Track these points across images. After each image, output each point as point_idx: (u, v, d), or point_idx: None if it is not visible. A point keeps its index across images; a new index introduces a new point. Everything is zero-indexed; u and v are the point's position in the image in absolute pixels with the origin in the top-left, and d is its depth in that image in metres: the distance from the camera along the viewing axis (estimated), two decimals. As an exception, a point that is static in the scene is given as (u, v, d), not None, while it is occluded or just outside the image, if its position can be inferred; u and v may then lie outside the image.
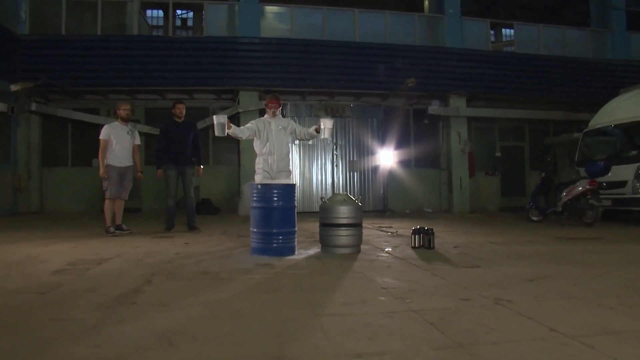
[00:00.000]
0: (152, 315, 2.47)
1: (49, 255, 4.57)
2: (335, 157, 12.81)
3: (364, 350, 1.92)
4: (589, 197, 8.18)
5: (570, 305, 2.67)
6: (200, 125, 9.58)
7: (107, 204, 6.53)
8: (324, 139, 5.22)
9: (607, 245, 5.69)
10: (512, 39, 15.51)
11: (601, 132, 9.96)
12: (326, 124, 4.91)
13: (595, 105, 11.26)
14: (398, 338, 2.10)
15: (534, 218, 9.21)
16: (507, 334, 2.16)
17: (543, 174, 9.42)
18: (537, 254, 4.82)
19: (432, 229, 5.10)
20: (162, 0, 15.68)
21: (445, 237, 6.23)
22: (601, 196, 8.35)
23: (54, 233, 6.72)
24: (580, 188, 8.26)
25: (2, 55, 11.01)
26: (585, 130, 10.28)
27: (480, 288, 3.08)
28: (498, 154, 14.53)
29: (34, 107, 11.50)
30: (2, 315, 2.49)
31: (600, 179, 8.44)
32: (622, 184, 8.61)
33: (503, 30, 18.74)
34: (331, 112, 12.81)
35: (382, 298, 2.85)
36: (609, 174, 8.57)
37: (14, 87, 10.90)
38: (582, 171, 9.06)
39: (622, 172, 8.63)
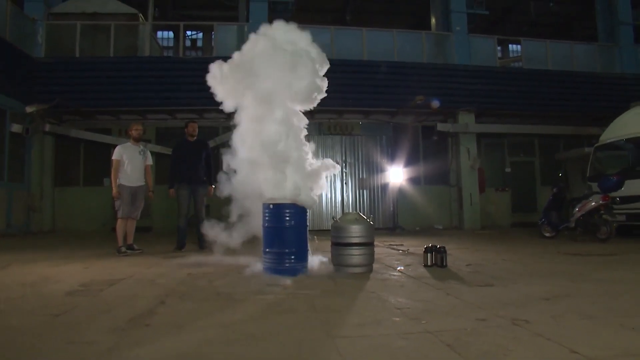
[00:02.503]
0: (167, 337, 2.46)
1: (62, 275, 4.60)
2: (344, 174, 12.82)
3: (381, 373, 1.90)
4: (602, 212, 8.10)
5: (590, 325, 2.62)
6: (211, 144, 9.66)
7: (119, 223, 6.58)
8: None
9: (623, 261, 5.59)
10: (520, 54, 15.58)
11: (613, 146, 9.88)
12: None
13: (605, 120, 11.21)
14: (415, 361, 2.07)
15: (547, 234, 9.10)
16: (526, 356, 2.12)
17: (555, 190, 9.35)
18: (551, 271, 4.75)
19: (444, 247, 5.06)
20: (172, 22, 16.06)
21: (457, 254, 6.17)
22: (615, 211, 8.25)
23: (66, 253, 6.76)
24: (593, 203, 8.18)
25: (19, 78, 11.26)
26: (597, 145, 10.21)
27: (495, 308, 3.04)
28: (508, 169, 14.47)
29: (47, 128, 11.69)
30: (19, 337, 2.50)
31: (613, 194, 8.35)
32: (637, 198, 8.50)
33: (510, 46, 18.91)
34: (340, 130, 12.90)
35: (397, 319, 2.82)
36: (622, 189, 8.48)
37: (29, 109, 11.10)
38: (595, 186, 8.98)
39: (636, 186, 8.55)
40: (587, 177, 10.14)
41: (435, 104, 12.29)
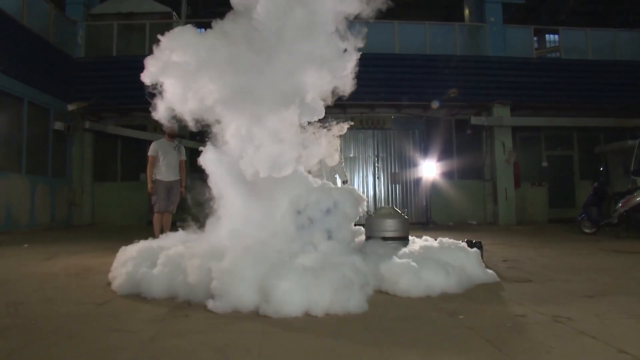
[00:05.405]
0: (206, 328, 2.52)
1: (104, 266, 4.74)
2: (377, 169, 12.74)
3: (420, 368, 1.89)
4: (648, 208, 7.77)
5: (638, 324, 2.52)
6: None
7: (155, 217, 6.75)
8: None
9: (670, 259, 5.35)
10: (557, 44, 15.03)
11: (660, 139, 9.43)
12: None
13: (651, 111, 10.72)
14: (454, 355, 2.04)
15: (587, 230, 8.79)
16: (570, 353, 2.06)
17: (595, 184, 9.01)
18: (593, 268, 4.59)
19: (480, 242, 4.96)
20: (205, 20, 16.26)
21: (493, 250, 6.05)
22: (662, 207, 7.89)
23: (105, 245, 6.97)
24: (638, 199, 7.84)
25: (61, 78, 11.72)
26: (642, 137, 9.77)
27: (535, 304, 2.96)
28: (545, 163, 14.02)
29: (87, 125, 12.11)
30: (67, 324, 2.61)
31: (660, 189, 7.99)
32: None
33: (547, 36, 18.22)
34: (372, 124, 12.84)
35: (434, 313, 2.79)
36: (670, 183, 8.10)
37: (70, 107, 11.55)
38: (639, 180, 8.61)
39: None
40: (631, 170, 9.71)
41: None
